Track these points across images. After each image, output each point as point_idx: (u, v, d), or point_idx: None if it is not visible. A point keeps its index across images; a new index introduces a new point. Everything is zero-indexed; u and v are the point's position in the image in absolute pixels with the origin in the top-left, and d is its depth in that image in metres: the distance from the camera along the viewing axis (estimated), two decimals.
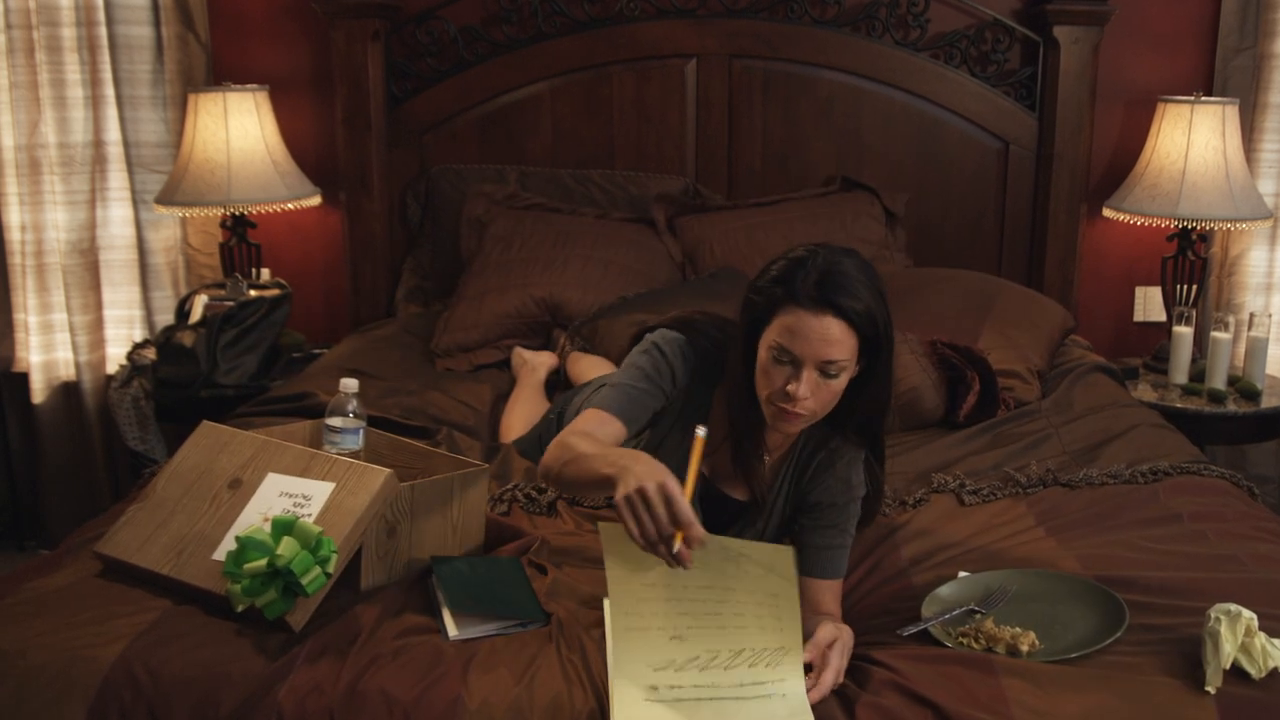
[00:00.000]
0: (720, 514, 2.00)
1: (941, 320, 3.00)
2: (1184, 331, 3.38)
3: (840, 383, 1.80)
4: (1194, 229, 3.47)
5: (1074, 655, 1.71)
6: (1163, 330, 3.64)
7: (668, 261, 3.45)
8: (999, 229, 3.70)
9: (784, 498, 2.01)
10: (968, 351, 2.85)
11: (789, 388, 1.78)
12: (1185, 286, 3.54)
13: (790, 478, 1.99)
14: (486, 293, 3.27)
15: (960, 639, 1.77)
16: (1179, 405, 3.26)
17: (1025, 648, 1.73)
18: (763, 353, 1.82)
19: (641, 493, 1.59)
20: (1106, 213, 3.58)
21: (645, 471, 1.61)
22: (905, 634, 1.79)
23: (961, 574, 2.00)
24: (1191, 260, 3.52)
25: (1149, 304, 3.79)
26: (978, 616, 1.83)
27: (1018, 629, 1.77)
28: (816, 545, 1.94)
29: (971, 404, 2.77)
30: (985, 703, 1.60)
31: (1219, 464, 2.63)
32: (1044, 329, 3.18)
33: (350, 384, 2.15)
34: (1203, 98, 3.41)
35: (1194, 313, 3.41)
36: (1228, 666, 1.64)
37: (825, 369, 1.78)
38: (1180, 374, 3.39)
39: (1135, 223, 3.49)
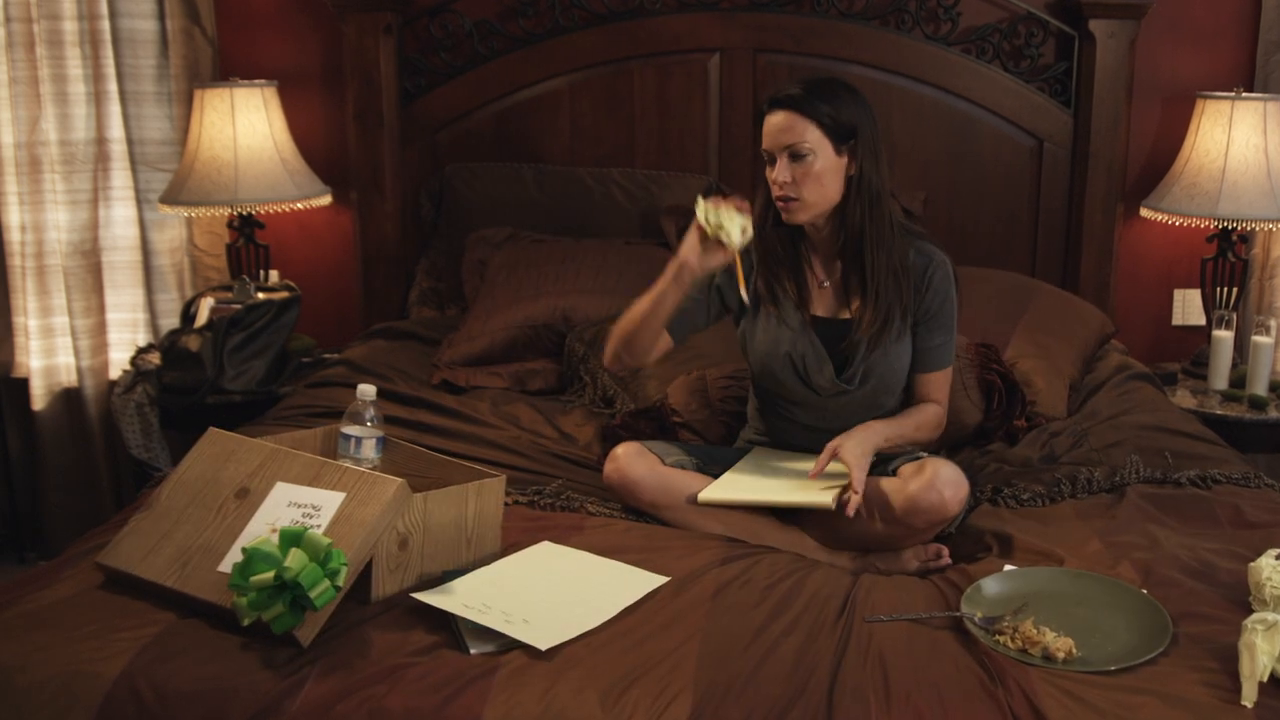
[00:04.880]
0: (833, 334, 2.35)
1: (971, 324, 2.91)
2: (1224, 336, 3.31)
3: (815, 166, 2.23)
4: (1234, 229, 3.40)
5: (1111, 669, 1.68)
6: (1202, 334, 3.57)
7: None
8: (1033, 229, 3.63)
9: (890, 314, 2.30)
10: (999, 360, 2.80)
11: (770, 176, 2.26)
12: (1225, 289, 3.47)
13: (884, 298, 2.29)
14: (494, 309, 3.13)
15: (996, 637, 1.77)
16: (1219, 412, 3.19)
17: (1061, 655, 1.71)
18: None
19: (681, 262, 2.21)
20: (1144, 213, 3.50)
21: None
22: (869, 620, 1.84)
23: (1008, 567, 2.02)
24: (1232, 262, 3.45)
25: (1188, 307, 3.72)
26: (1019, 616, 1.81)
27: (1055, 634, 1.74)
28: (928, 346, 2.36)
29: (999, 414, 2.72)
30: (1015, 710, 1.60)
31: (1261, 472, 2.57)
32: (1080, 336, 3.10)
33: (368, 390, 2.08)
34: (1243, 94, 3.34)
35: (1234, 316, 3.34)
36: (1265, 679, 1.59)
37: (793, 153, 2.23)
38: (1220, 380, 3.33)
39: (1173, 223, 3.42)
